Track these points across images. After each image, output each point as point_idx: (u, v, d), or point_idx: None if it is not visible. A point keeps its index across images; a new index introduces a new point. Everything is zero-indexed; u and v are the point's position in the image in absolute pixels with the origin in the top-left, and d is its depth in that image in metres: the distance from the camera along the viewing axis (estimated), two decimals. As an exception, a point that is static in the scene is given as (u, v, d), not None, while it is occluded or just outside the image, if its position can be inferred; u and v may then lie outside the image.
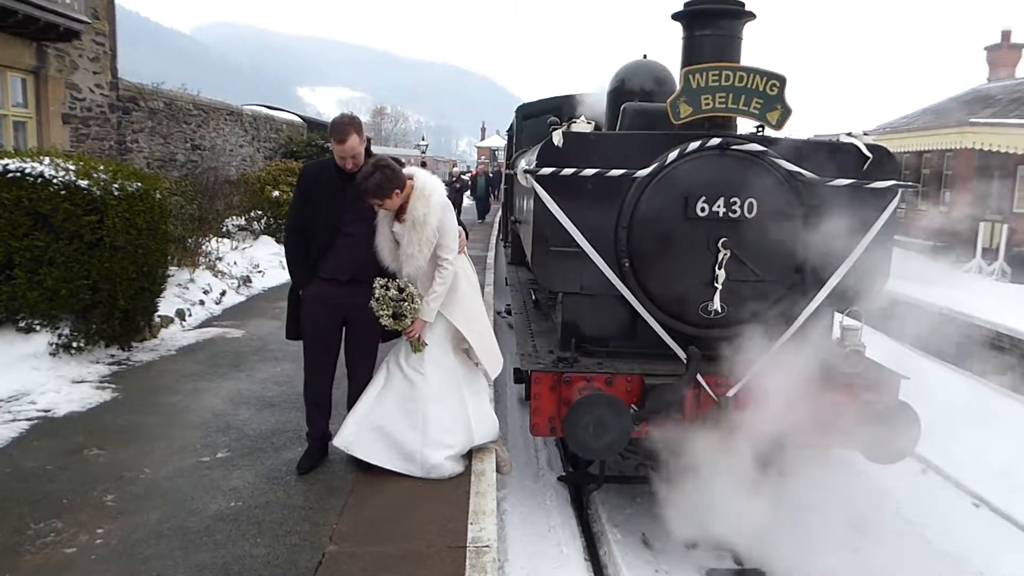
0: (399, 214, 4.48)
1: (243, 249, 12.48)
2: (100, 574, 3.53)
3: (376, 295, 4.39)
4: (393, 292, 4.38)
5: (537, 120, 11.53)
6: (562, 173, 5.42)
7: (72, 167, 6.67)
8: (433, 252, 4.48)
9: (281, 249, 13.64)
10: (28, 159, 6.60)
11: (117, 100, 12.16)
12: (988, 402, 10.37)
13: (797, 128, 5.86)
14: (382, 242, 4.52)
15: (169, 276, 8.41)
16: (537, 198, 5.54)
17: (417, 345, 4.52)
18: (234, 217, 14.11)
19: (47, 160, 6.67)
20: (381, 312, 4.38)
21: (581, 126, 5.73)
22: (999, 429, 9.14)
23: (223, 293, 10.13)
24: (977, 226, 17.47)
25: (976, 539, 6.68)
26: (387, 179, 4.30)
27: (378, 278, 4.45)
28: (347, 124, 4.44)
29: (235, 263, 11.46)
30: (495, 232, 18.74)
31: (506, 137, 17.33)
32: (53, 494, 4.31)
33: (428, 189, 4.47)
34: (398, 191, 4.36)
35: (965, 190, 18.88)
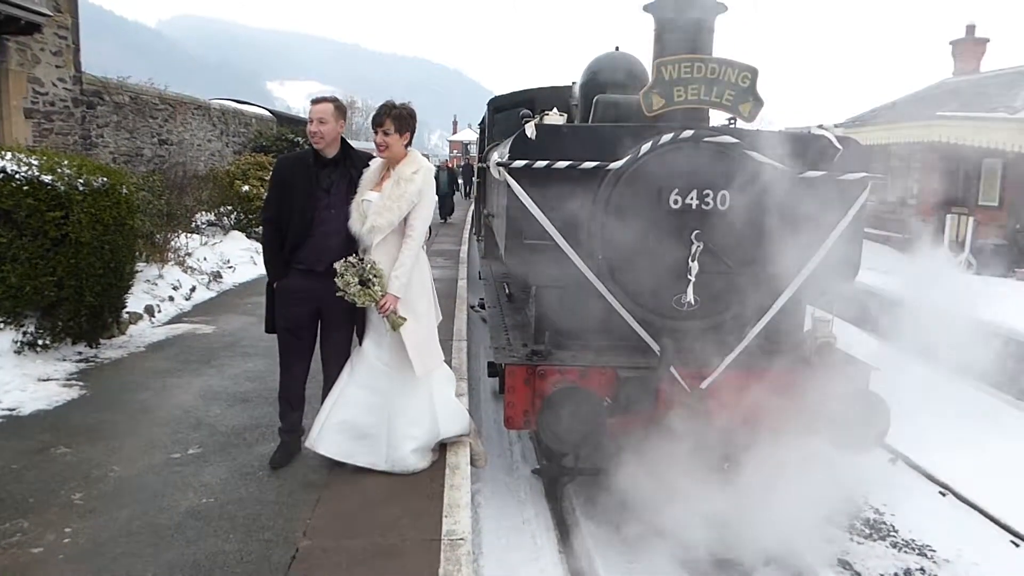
0: (379, 184, 4.49)
1: (213, 244, 12.34)
2: (68, 574, 3.47)
3: (339, 271, 4.32)
4: (354, 259, 4.34)
5: (509, 113, 11.54)
6: (535, 166, 5.42)
7: (35, 162, 6.54)
8: (403, 221, 4.43)
9: (251, 244, 13.58)
10: (-10, 154, 6.46)
11: (81, 94, 11.95)
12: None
13: (770, 120, 5.89)
14: (355, 207, 4.50)
15: (137, 272, 8.30)
16: (510, 191, 5.52)
17: (395, 320, 4.41)
18: (203, 212, 13.95)
19: (9, 155, 6.52)
20: (347, 288, 4.29)
21: (554, 118, 5.71)
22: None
23: (193, 289, 10.01)
24: (944, 218, 17.74)
25: (942, 527, 6.80)
26: (411, 116, 4.55)
27: (338, 262, 4.37)
28: (328, 96, 4.71)
29: (205, 259, 11.33)
30: (467, 228, 18.71)
31: (478, 131, 17.31)
32: (19, 493, 4.24)
33: (421, 158, 4.64)
34: (408, 135, 4.54)
35: (932, 183, 19.15)
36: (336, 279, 4.33)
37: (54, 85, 11.18)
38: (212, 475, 4.55)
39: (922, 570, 6.12)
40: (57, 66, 11.25)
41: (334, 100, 4.63)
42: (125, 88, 14.72)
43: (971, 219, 16.77)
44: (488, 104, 12.50)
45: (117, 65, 12.95)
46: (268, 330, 4.79)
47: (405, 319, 4.48)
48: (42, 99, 10.94)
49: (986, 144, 15.62)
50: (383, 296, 4.35)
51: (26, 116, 10.56)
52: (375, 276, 4.32)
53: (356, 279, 4.29)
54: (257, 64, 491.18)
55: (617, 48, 8.21)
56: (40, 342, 6.62)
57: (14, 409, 5.58)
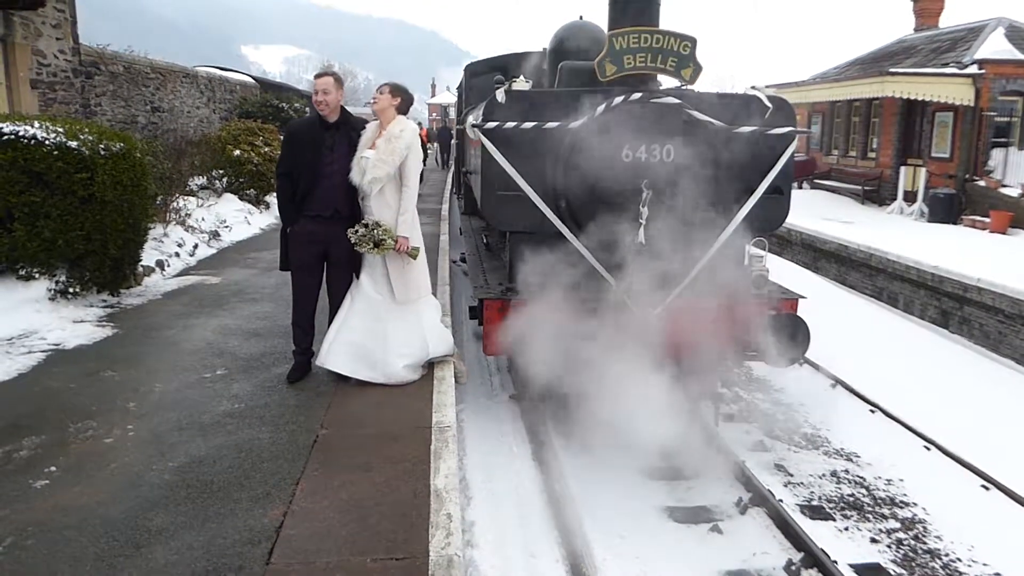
0: (373, 144, 5.33)
1: (208, 206, 13.06)
2: (140, 454, 4.38)
3: (353, 241, 5.25)
4: (361, 230, 5.24)
5: (484, 77, 12.28)
6: (505, 126, 6.26)
7: (61, 129, 7.30)
8: (398, 172, 5.30)
9: (244, 205, 14.34)
10: (20, 122, 7.20)
11: (80, 65, 12.55)
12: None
13: (737, 80, 6.74)
14: (355, 163, 5.35)
15: (149, 230, 9.07)
16: (484, 149, 6.37)
17: (413, 254, 5.42)
18: (196, 177, 14.61)
19: (37, 123, 7.27)
20: (365, 248, 5.23)
21: (521, 85, 6.58)
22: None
23: (195, 246, 10.78)
24: (899, 170, 18.67)
25: (869, 438, 7.80)
26: (407, 90, 5.55)
27: (349, 230, 5.28)
28: (329, 71, 5.63)
29: (203, 219, 12.08)
30: (447, 188, 19.46)
31: (456, 94, 17.98)
32: (82, 404, 5.12)
33: (407, 120, 5.51)
34: (400, 99, 5.43)
35: (889, 136, 20.07)
36: (355, 248, 5.28)
37: (55, 57, 11.78)
38: (239, 388, 5.45)
39: (847, 471, 7.11)
40: (57, 38, 11.83)
41: (333, 73, 5.50)
42: (119, 58, 15.30)
43: (924, 170, 17.73)
44: (465, 69, 13.20)
45: (88, 32, 13.17)
46: (283, 268, 5.66)
47: (418, 248, 5.45)
48: (45, 70, 11.54)
49: (935, 98, 16.51)
50: (396, 242, 5.28)
51: (32, 87, 11.17)
52: (384, 235, 5.24)
53: (371, 244, 5.22)
54: (230, 28, 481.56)
55: (581, 17, 8.98)
56: (71, 290, 7.42)
57: (59, 344, 6.42)
